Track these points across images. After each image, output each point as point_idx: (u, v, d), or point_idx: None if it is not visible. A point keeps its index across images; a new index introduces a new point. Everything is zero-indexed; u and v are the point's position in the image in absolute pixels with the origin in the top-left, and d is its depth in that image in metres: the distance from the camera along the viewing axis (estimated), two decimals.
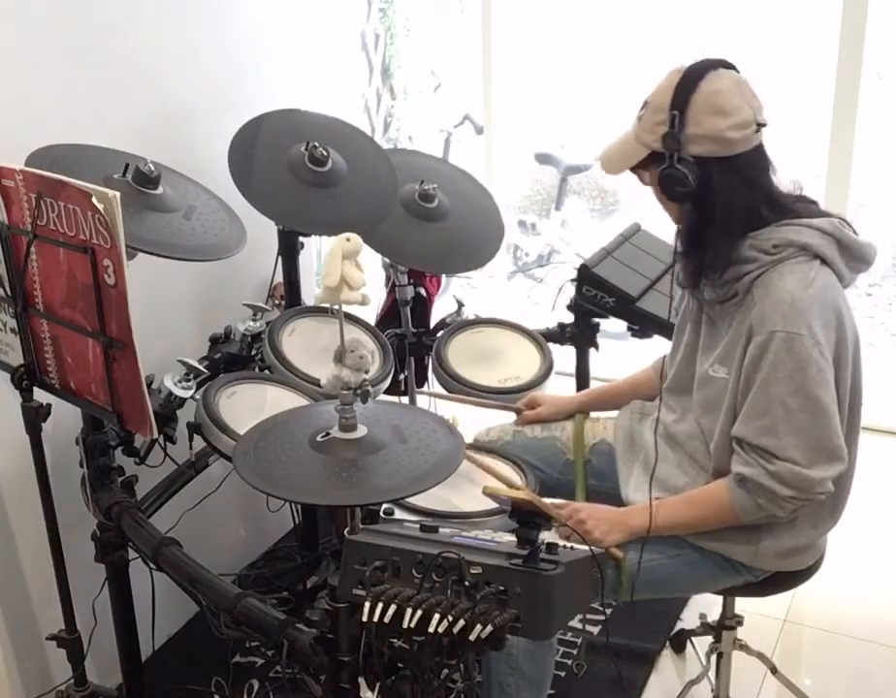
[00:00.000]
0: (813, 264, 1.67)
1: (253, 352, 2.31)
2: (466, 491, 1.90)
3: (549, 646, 1.85)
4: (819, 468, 1.65)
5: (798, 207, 1.73)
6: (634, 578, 1.77)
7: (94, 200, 1.51)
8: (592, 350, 2.62)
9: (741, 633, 2.16)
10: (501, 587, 1.26)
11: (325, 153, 2.28)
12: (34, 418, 1.83)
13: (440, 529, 1.46)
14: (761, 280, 1.67)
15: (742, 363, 1.69)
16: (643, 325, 2.48)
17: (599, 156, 1.82)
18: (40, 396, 1.84)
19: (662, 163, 1.68)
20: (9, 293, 1.78)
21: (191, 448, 2.02)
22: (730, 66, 1.70)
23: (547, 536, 1.77)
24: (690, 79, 1.66)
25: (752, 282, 1.68)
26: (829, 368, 1.65)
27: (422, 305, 2.79)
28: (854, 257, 1.72)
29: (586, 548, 1.40)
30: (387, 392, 2.34)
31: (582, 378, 2.64)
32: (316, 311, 2.33)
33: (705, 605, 2.44)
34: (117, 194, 1.49)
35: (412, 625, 1.26)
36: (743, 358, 1.69)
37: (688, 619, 2.55)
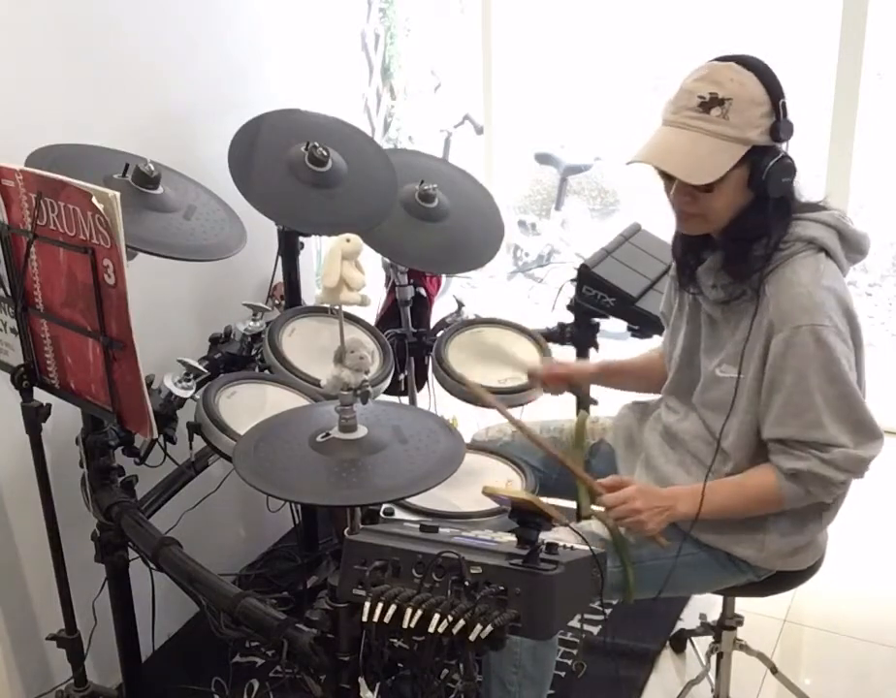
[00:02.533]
0: (819, 256, 1.68)
1: (253, 352, 2.31)
2: (466, 492, 1.90)
3: (551, 644, 1.85)
4: (867, 447, 1.67)
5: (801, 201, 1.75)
6: (639, 575, 1.77)
7: (94, 200, 1.51)
8: (592, 350, 2.62)
9: (741, 633, 2.16)
10: (501, 587, 1.26)
11: (325, 153, 2.28)
12: (34, 418, 1.83)
13: (440, 529, 1.46)
14: (772, 276, 1.67)
15: (761, 361, 1.68)
16: (643, 325, 2.47)
17: (676, 173, 1.63)
18: (40, 396, 1.84)
19: (754, 159, 1.62)
20: (9, 293, 1.78)
21: (191, 448, 2.02)
22: None
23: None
24: (763, 68, 1.63)
25: (762, 279, 1.68)
26: (852, 354, 1.67)
27: (422, 305, 2.80)
28: (852, 248, 1.74)
29: (585, 547, 1.40)
30: (387, 392, 2.34)
31: None
32: (316, 311, 2.33)
33: (705, 605, 2.44)
34: (117, 194, 1.49)
35: (412, 625, 1.26)
36: (762, 356, 1.68)
37: (688, 619, 2.55)
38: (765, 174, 1.62)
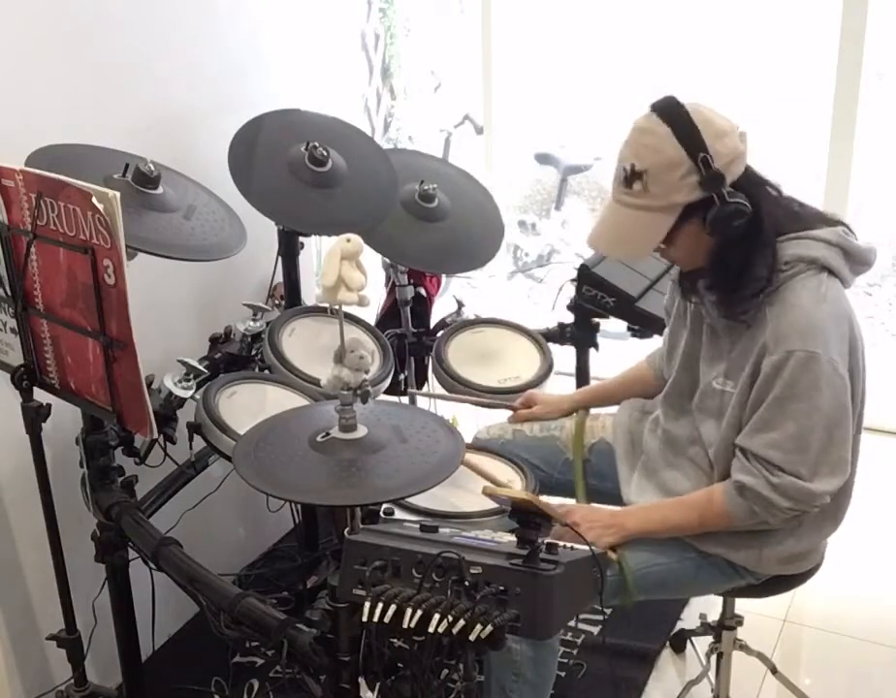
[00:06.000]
0: (821, 276, 1.66)
1: (253, 352, 2.31)
2: (467, 491, 1.90)
3: (551, 649, 1.85)
4: (821, 481, 1.66)
5: (802, 212, 1.73)
6: (638, 581, 1.77)
7: (94, 200, 1.51)
8: (592, 350, 2.62)
9: (741, 633, 2.16)
10: (501, 587, 1.26)
11: (325, 153, 2.28)
12: (34, 418, 1.83)
13: (440, 529, 1.46)
14: (773, 298, 1.66)
15: (751, 378, 1.68)
16: (643, 325, 2.48)
17: (606, 253, 1.72)
18: (40, 396, 1.84)
19: (698, 212, 1.62)
20: (9, 293, 1.78)
21: (191, 448, 2.02)
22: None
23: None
24: (681, 119, 1.60)
25: (763, 300, 1.67)
26: (843, 383, 1.64)
27: (422, 305, 2.79)
28: (857, 262, 1.72)
29: (586, 548, 1.40)
30: (387, 392, 2.34)
31: (582, 378, 2.64)
32: (316, 311, 2.33)
33: (705, 605, 2.44)
34: (117, 194, 1.49)
35: (412, 625, 1.26)
36: (753, 374, 1.68)
37: (688, 619, 2.55)
38: (708, 226, 1.62)
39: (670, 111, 1.62)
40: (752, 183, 1.66)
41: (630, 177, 1.62)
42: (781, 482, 1.65)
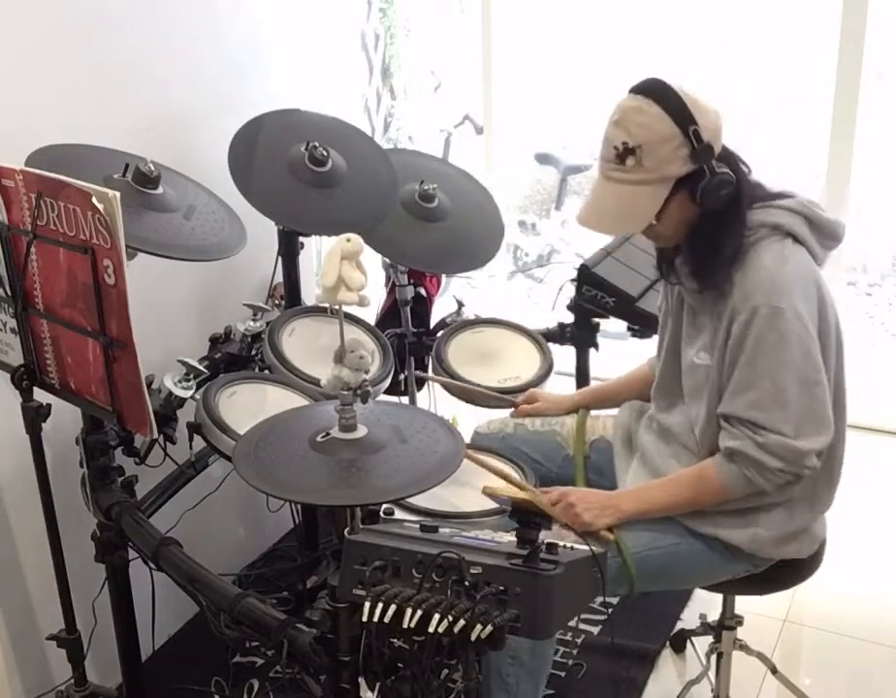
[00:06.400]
0: (785, 242, 1.70)
1: (253, 352, 2.31)
2: (466, 491, 1.90)
3: (549, 639, 1.85)
4: (807, 439, 1.67)
5: (764, 190, 1.77)
6: (638, 564, 1.78)
7: (94, 200, 1.51)
8: (592, 350, 2.62)
9: (741, 633, 2.16)
10: (501, 587, 1.26)
11: (325, 153, 2.28)
12: (34, 418, 1.83)
13: (440, 529, 1.46)
14: (739, 264, 1.70)
15: (724, 345, 1.71)
16: (643, 325, 2.48)
17: (601, 230, 1.76)
18: (40, 396, 1.84)
19: (686, 184, 1.66)
20: (9, 293, 1.78)
21: (191, 448, 2.02)
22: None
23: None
24: (670, 96, 1.65)
25: (731, 269, 1.70)
26: (812, 340, 1.67)
27: (422, 305, 2.80)
28: (825, 234, 1.75)
29: (585, 547, 1.40)
30: (387, 392, 2.34)
31: (582, 378, 2.64)
32: (316, 311, 2.33)
33: (705, 605, 2.44)
34: (117, 194, 1.49)
35: (412, 625, 1.27)
36: (725, 340, 1.71)
37: (688, 619, 2.55)
38: (699, 197, 1.66)
39: (658, 90, 1.67)
40: (729, 157, 1.72)
41: (623, 154, 1.66)
42: (766, 441, 1.67)
